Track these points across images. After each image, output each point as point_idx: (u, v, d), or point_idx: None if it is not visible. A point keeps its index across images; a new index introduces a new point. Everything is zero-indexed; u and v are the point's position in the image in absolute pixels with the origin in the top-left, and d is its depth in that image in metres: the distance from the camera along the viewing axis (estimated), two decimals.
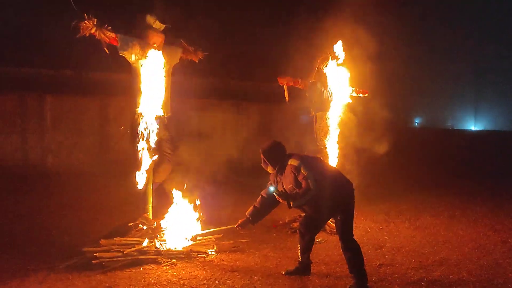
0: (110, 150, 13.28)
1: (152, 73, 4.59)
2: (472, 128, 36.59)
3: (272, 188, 4.08)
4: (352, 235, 3.96)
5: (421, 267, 4.45)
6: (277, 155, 4.10)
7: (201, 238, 4.78)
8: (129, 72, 13.25)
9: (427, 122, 33.82)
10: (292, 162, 3.98)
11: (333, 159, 6.42)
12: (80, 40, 13.90)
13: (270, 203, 4.20)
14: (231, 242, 4.99)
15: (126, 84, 14.65)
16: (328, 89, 6.43)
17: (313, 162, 4.09)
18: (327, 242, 5.44)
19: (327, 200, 3.89)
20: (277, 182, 4.12)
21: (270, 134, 14.68)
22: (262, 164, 4.21)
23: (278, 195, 3.96)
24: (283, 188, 4.04)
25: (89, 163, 12.53)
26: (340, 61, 6.34)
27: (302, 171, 3.88)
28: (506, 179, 10.91)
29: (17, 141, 12.32)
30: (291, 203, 3.94)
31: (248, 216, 4.27)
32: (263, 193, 4.27)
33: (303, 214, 4.34)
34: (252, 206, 4.29)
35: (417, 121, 34.40)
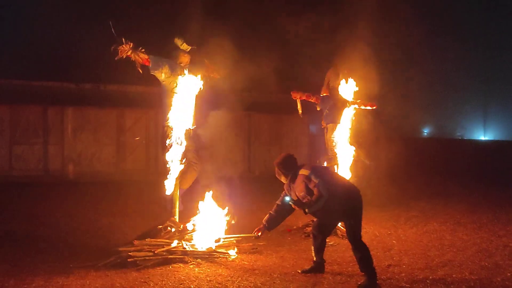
0: (126, 159, 13.86)
1: (180, 90, 5.07)
2: (482, 138, 36.61)
3: (287, 198, 4.50)
4: (361, 237, 4.37)
5: (427, 267, 4.83)
6: (289, 166, 4.53)
7: (223, 240, 5.20)
8: (145, 85, 13.83)
9: (437, 132, 34.00)
10: (303, 172, 4.39)
11: (344, 167, 6.84)
12: (98, 55, 14.58)
13: (285, 210, 4.60)
14: (250, 244, 5.42)
15: (141, 96, 15.26)
16: (338, 102, 6.87)
17: (323, 171, 4.53)
18: (339, 245, 5.83)
19: (337, 206, 4.29)
20: (290, 190, 4.53)
21: (282, 142, 15.19)
22: (276, 174, 4.65)
23: (293, 203, 4.38)
24: (296, 196, 4.45)
25: (107, 172, 13.10)
26: (349, 82, 6.80)
27: (313, 179, 4.28)
28: (507, 186, 11.20)
29: (40, 151, 12.96)
30: (306, 210, 4.35)
31: (264, 223, 4.68)
32: (278, 201, 4.67)
33: (315, 219, 4.76)
34: (268, 214, 4.71)
35: (426, 131, 34.60)
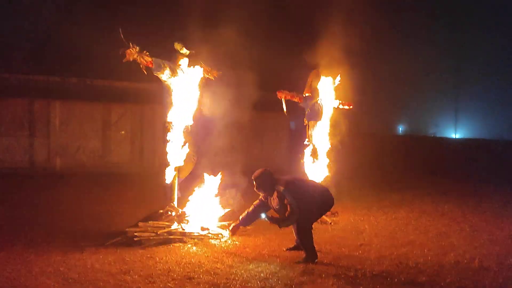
0: (112, 152, 14.28)
1: (179, 89, 5.68)
2: (453, 136, 38.16)
3: (263, 215, 4.98)
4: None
5: (393, 246, 5.61)
6: (266, 181, 4.94)
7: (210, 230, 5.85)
8: (130, 81, 14.20)
9: (411, 130, 35.30)
10: (278, 188, 4.83)
11: (323, 161, 7.59)
12: (86, 50, 14.99)
13: (260, 210, 5.13)
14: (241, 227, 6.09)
15: (127, 91, 15.65)
16: (319, 101, 7.60)
17: (296, 187, 4.87)
18: (317, 229, 6.56)
19: (310, 215, 4.88)
20: (268, 200, 5.07)
21: (263, 138, 15.87)
22: (254, 188, 5.05)
23: (269, 220, 4.92)
24: (273, 206, 4.99)
25: (92, 164, 13.50)
26: (328, 80, 7.52)
27: (286, 196, 4.79)
28: (474, 182, 12.25)
29: (26, 144, 13.24)
30: (280, 225, 4.91)
31: (240, 220, 5.30)
32: (255, 203, 5.23)
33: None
34: (245, 212, 5.29)
35: (400, 129, 35.92)
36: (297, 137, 12.68)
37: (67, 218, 6.60)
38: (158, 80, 5.70)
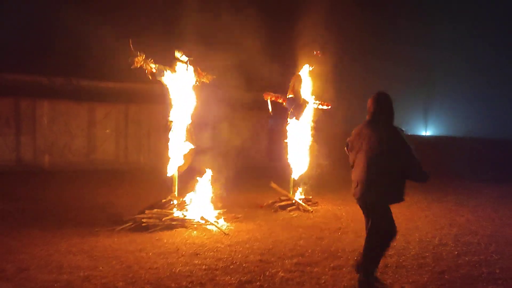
0: (97, 150, 14.74)
1: (179, 91, 6.37)
2: (423, 133, 39.82)
3: None
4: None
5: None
6: (390, 108, 4.20)
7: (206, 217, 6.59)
8: (115, 81, 14.76)
9: None
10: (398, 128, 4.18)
11: (305, 158, 8.41)
12: (71, 50, 15.48)
13: None
14: (233, 214, 6.86)
15: (112, 91, 16.16)
16: (300, 102, 8.41)
17: None
18: (300, 216, 7.38)
19: None
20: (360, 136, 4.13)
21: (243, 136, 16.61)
22: (370, 109, 4.10)
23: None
24: (361, 145, 4.06)
25: (78, 162, 13.94)
26: (308, 82, 8.36)
27: (406, 146, 4.06)
28: (442, 176, 13.35)
29: (12, 142, 13.54)
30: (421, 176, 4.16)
31: None
32: None
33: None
34: None
35: None
36: (277, 136, 13.49)
37: (73, 209, 7.18)
38: (143, 80, 6.38)
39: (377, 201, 3.93)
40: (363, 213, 4.20)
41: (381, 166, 3.84)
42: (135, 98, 14.86)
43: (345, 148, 4.28)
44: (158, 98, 12.58)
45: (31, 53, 14.80)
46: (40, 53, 14.71)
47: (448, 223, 7.04)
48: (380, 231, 3.93)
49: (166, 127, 6.35)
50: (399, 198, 4.02)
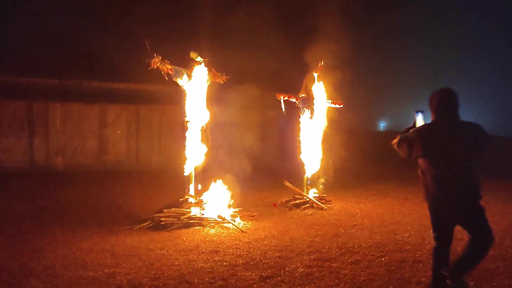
0: (108, 151, 14.91)
1: (195, 92, 6.46)
2: None
3: None
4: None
5: (382, 225, 6.52)
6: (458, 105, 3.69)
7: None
8: (125, 82, 14.90)
9: (393, 126, 36.59)
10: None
11: (318, 156, 8.46)
12: (82, 52, 15.68)
13: None
14: (248, 213, 6.94)
15: (123, 92, 16.33)
16: (313, 101, 8.47)
17: None
18: (314, 214, 7.43)
19: None
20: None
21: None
22: (436, 108, 3.63)
23: None
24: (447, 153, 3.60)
25: (90, 163, 14.12)
26: (321, 82, 8.41)
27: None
28: None
29: (26, 144, 13.77)
30: None
31: None
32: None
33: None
34: None
35: (382, 125, 37.21)
36: (286, 135, 13.45)
37: (90, 209, 7.31)
38: (153, 81, 6.49)
39: (477, 202, 3.66)
40: (451, 222, 3.84)
41: (476, 166, 3.63)
42: (145, 99, 15.02)
43: (402, 147, 3.71)
44: (169, 99, 12.77)
45: (43, 56, 15.04)
46: (52, 57, 14.94)
47: None
48: (489, 231, 3.69)
49: (182, 128, 6.44)
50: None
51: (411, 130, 3.73)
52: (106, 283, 3.94)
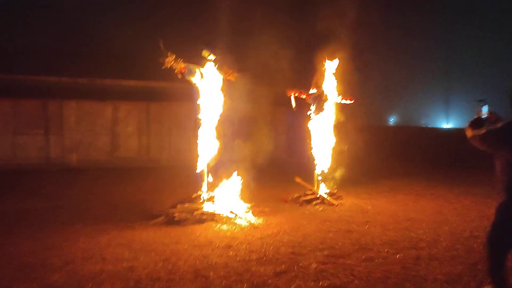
0: (120, 148, 15.09)
1: (207, 90, 6.52)
2: (444, 125, 39.28)
3: None
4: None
5: (395, 222, 6.53)
6: None
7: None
8: (136, 79, 15.06)
9: (403, 121, 36.41)
10: None
11: (327, 152, 8.47)
12: (94, 51, 15.92)
13: None
14: (260, 209, 7.01)
15: (134, 90, 16.51)
16: (324, 97, 8.47)
17: None
18: (325, 210, 7.45)
19: None
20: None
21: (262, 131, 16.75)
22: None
23: None
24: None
25: (102, 160, 14.31)
26: (331, 78, 8.41)
27: None
28: (467, 168, 13.23)
29: (41, 141, 14.00)
30: None
31: None
32: None
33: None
34: None
35: (392, 120, 37.00)
36: (295, 131, 13.43)
37: (106, 205, 7.43)
38: (164, 78, 6.54)
39: None
40: None
41: None
42: (156, 96, 15.14)
43: (489, 142, 3.54)
44: (179, 96, 12.87)
45: (57, 55, 15.27)
46: (65, 56, 15.16)
47: (478, 215, 7.02)
48: None
49: (195, 124, 6.51)
50: None
51: (499, 124, 3.47)
52: (125, 277, 4.03)
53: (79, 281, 3.93)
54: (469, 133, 3.68)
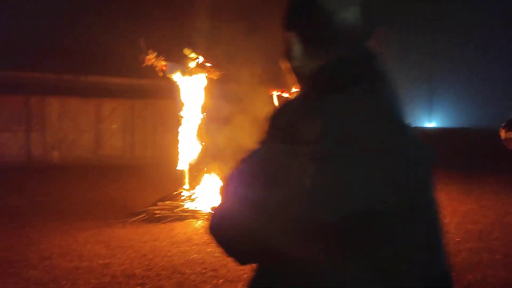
0: (104, 146, 15.02)
1: (189, 87, 6.59)
2: (427, 125, 39.77)
3: None
4: None
5: None
6: None
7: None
8: (121, 77, 15.04)
9: None
10: None
11: None
12: (78, 47, 15.79)
13: None
14: None
15: (118, 87, 16.46)
16: None
17: None
18: None
19: None
20: None
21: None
22: None
23: None
24: None
25: (86, 157, 14.23)
26: None
27: None
28: (446, 166, 13.50)
29: (22, 138, 13.87)
30: None
31: None
32: None
33: None
34: None
35: None
36: None
37: (86, 203, 7.44)
38: (149, 76, 6.60)
39: None
40: None
41: None
42: (141, 94, 15.11)
43: None
44: (164, 94, 12.86)
45: (39, 51, 15.10)
46: (49, 51, 15.00)
47: (451, 212, 7.21)
48: None
49: (178, 123, 6.58)
50: None
51: None
52: (101, 273, 4.09)
53: (55, 277, 3.98)
54: (504, 134, 3.33)
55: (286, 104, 0.99)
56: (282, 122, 0.92)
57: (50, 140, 14.20)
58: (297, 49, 0.97)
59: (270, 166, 0.85)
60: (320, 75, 0.92)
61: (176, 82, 6.56)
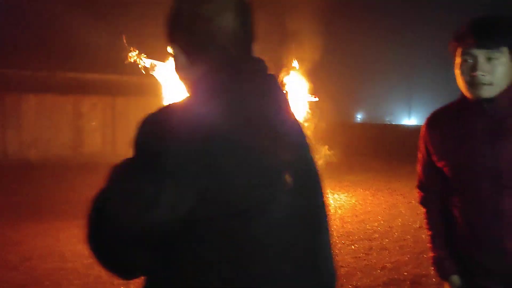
0: (84, 143, 14.79)
1: (171, 85, 6.54)
2: (407, 122, 40.57)
3: None
4: None
5: (353, 215, 6.81)
6: None
7: None
8: (101, 73, 14.82)
9: (368, 118, 37.38)
10: None
11: None
12: (55, 43, 15.51)
13: None
14: None
15: (98, 83, 16.20)
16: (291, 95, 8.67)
17: None
18: None
19: None
20: None
21: None
22: None
23: None
24: None
25: (65, 155, 13.99)
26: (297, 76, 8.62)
27: None
28: None
29: None
30: None
31: None
32: None
33: None
34: None
35: (359, 117, 37.93)
36: None
37: (66, 202, 7.30)
38: (130, 72, 6.54)
39: None
40: None
41: None
42: (122, 90, 14.90)
43: None
44: (147, 91, 12.73)
45: (15, 47, 14.70)
46: (24, 47, 14.61)
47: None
48: None
49: None
50: None
51: None
52: (85, 274, 4.05)
53: (36, 279, 3.92)
54: None
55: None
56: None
57: (27, 138, 13.91)
58: (182, 59, 1.07)
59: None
60: (203, 82, 1.00)
61: (159, 79, 6.51)
